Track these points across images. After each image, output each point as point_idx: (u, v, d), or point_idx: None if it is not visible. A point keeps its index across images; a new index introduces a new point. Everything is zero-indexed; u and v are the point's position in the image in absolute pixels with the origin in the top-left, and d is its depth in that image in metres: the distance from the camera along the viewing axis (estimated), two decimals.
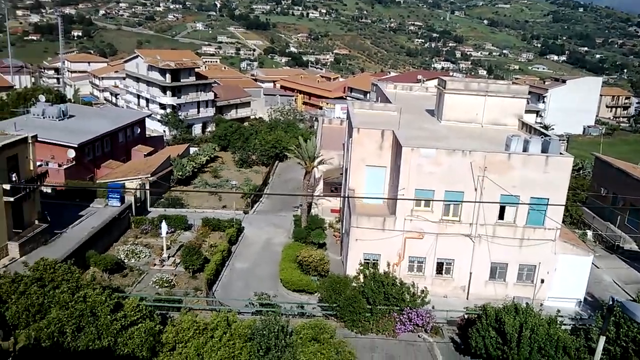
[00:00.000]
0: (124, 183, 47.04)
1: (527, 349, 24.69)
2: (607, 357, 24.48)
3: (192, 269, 35.26)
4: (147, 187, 47.99)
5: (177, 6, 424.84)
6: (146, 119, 71.90)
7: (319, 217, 43.53)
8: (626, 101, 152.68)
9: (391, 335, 29.24)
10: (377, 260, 34.10)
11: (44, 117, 55.99)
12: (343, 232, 39.91)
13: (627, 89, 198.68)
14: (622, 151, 77.52)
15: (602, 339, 20.25)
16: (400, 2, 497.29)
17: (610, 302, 19.42)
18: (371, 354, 27.78)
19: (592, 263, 34.70)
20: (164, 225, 37.85)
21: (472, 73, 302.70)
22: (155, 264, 36.73)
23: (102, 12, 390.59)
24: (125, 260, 36.78)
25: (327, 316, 30.25)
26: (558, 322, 26.61)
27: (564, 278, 33.63)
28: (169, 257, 37.59)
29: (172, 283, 34.09)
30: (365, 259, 34.15)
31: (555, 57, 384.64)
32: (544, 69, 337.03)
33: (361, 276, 32.70)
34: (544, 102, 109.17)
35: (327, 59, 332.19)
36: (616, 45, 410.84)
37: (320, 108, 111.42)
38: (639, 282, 36.50)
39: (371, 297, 29.75)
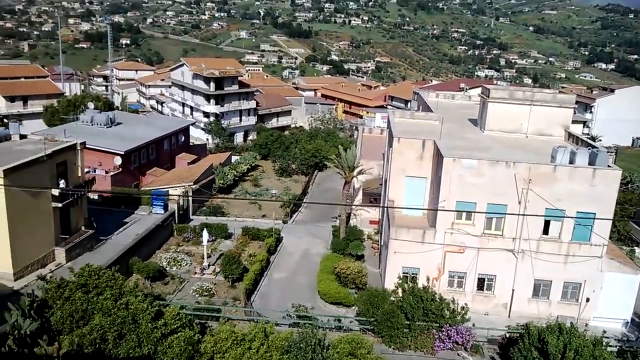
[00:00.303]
0: (168, 190, 48.11)
1: None
2: None
3: (231, 278, 35.69)
4: (190, 195, 48.92)
5: (222, 14, 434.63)
6: (190, 126, 73.44)
7: (358, 229, 43.35)
8: None
9: (429, 352, 28.65)
10: (416, 274, 33.63)
11: (92, 124, 57.87)
12: (382, 244, 39.58)
13: None
14: None
15: None
16: (443, 8, 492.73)
17: None
18: None
19: None
20: (205, 234, 38.47)
21: (517, 81, 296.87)
22: (195, 272, 37.34)
23: (149, 20, 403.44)
24: (167, 268, 37.53)
25: (364, 330, 29.99)
26: (604, 343, 25.52)
27: (611, 297, 32.37)
28: (209, 265, 38.16)
29: (212, 292, 34.56)
30: (404, 273, 33.74)
31: (604, 65, 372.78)
32: (591, 77, 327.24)
33: (399, 290, 32.25)
34: (591, 112, 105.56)
35: (368, 67, 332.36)
36: None
37: (361, 117, 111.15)
38: None
39: (409, 312, 29.31)
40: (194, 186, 49.79)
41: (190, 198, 48.16)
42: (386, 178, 40.19)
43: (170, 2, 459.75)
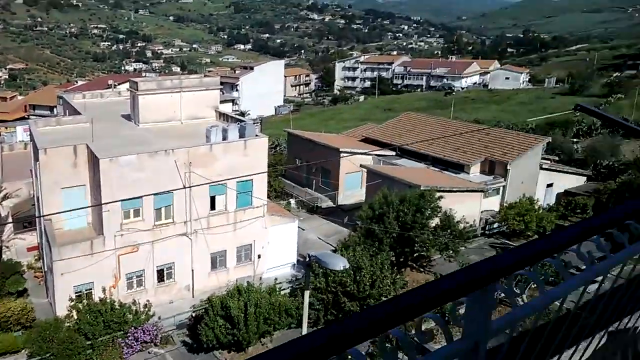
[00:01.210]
0: None
1: (254, 324, 25.73)
2: (322, 305, 27.18)
3: None
4: None
5: None
6: None
7: (14, 261, 37.41)
8: (307, 78, 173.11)
9: None
10: (91, 289, 30.98)
11: None
12: (46, 269, 35.22)
13: (306, 67, 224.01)
14: (308, 123, 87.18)
15: (307, 293, 22.57)
16: (78, 5, 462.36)
17: (307, 259, 21.54)
18: None
19: (298, 227, 38.04)
20: None
21: (166, 71, 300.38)
22: None
23: None
24: None
25: None
26: (277, 289, 28.58)
27: (277, 247, 36.16)
28: None
29: None
30: (76, 292, 30.56)
31: (242, 47, 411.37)
32: (233, 58, 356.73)
33: (74, 312, 29.35)
34: (237, 90, 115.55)
35: (1, 77, 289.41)
36: (292, 29, 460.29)
37: None
38: (337, 233, 41.40)
39: (89, 331, 26.96)
40: None
41: None
42: (38, 196, 35.64)
43: None
